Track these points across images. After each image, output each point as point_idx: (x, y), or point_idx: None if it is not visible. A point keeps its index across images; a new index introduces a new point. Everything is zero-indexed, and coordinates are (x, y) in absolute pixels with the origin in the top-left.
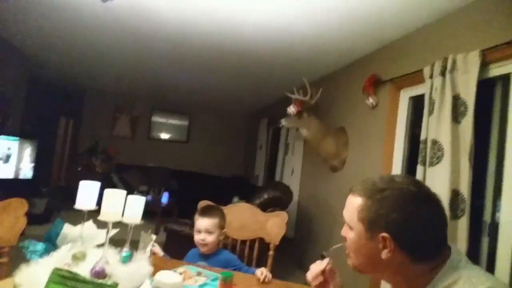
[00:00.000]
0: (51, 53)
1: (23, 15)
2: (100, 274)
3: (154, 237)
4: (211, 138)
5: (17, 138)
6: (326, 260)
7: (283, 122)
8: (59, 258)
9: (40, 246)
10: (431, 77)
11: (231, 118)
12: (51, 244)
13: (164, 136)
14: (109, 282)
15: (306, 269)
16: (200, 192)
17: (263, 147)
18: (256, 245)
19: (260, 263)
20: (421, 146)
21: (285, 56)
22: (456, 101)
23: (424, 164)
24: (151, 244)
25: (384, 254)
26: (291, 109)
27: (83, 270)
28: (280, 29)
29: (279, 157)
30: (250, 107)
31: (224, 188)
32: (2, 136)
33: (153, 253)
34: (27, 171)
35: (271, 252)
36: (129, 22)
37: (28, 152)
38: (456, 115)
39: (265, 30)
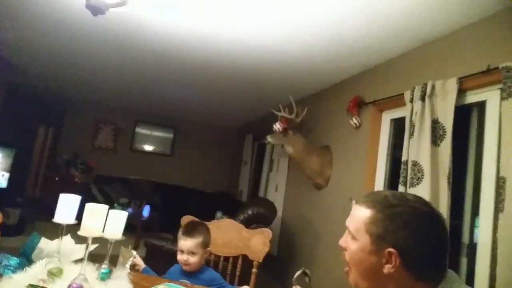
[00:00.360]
0: (34, 61)
1: (6, 21)
2: None
3: (134, 252)
4: (196, 152)
5: None
6: None
7: (269, 138)
8: (34, 274)
9: (14, 260)
10: (411, 101)
11: (217, 133)
12: (26, 259)
13: (148, 148)
14: None
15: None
16: (183, 206)
17: (247, 163)
18: (240, 262)
19: (243, 281)
20: (402, 167)
21: (271, 74)
22: (435, 124)
23: (405, 184)
24: (131, 260)
25: (387, 269)
26: (277, 126)
27: (60, 287)
28: (267, 49)
29: (263, 173)
30: (236, 122)
31: (208, 203)
32: None
33: (134, 265)
34: (0, 180)
35: (254, 270)
36: (117, 34)
37: (3, 160)
38: (435, 138)
39: (252, 49)
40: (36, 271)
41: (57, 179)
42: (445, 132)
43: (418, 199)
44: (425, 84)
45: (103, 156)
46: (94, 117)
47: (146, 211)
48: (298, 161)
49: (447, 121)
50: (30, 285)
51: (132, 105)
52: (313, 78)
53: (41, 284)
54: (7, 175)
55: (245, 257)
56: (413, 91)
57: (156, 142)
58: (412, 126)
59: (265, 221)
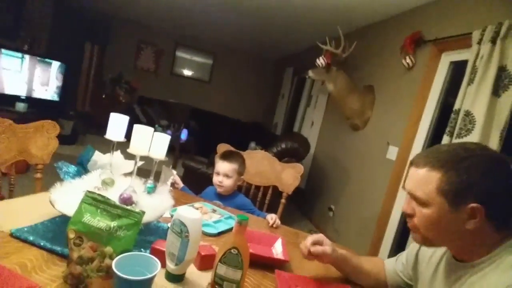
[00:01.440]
0: None
1: None
2: (128, 201)
3: (174, 172)
4: (234, 81)
5: (41, 58)
6: (310, 238)
7: (310, 73)
8: (90, 181)
9: (72, 168)
10: (479, 42)
11: (256, 63)
12: (83, 168)
13: (187, 73)
14: (136, 209)
15: (312, 219)
16: (218, 133)
17: (285, 96)
18: (270, 192)
19: (270, 209)
20: (453, 116)
21: (320, 1)
22: (501, 72)
23: (451, 135)
24: (172, 178)
25: (471, 224)
26: (320, 61)
27: (112, 195)
28: None
29: (300, 108)
30: (277, 54)
31: (242, 132)
32: (26, 55)
33: (174, 183)
34: (54, 93)
35: (283, 200)
36: None
37: (55, 74)
38: (498, 88)
39: None
40: (92, 179)
41: (103, 96)
42: (511, 81)
43: (479, 145)
44: (500, 24)
45: (144, 78)
46: (136, 38)
47: (184, 134)
48: (338, 100)
49: None
50: (88, 191)
51: (173, 27)
52: (368, 7)
53: (96, 191)
54: (59, 88)
55: (275, 187)
56: (484, 30)
57: (195, 68)
58: (474, 71)
59: (297, 156)
